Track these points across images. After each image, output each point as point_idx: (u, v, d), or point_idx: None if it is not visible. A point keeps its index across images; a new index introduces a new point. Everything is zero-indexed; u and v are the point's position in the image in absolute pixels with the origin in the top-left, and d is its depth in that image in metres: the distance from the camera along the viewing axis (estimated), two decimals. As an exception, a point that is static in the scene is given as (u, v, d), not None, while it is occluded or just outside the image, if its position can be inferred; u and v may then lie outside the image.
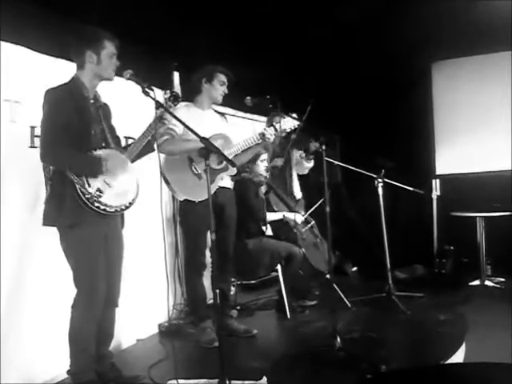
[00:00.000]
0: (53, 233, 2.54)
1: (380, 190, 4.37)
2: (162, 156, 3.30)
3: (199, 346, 3.42)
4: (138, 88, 2.62)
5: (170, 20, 3.78)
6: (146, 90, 2.61)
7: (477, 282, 5.07)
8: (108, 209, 2.52)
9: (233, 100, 3.79)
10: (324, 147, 3.36)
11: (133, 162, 2.69)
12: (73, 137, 2.48)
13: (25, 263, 2.84)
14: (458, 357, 3.05)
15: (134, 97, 2.96)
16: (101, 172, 2.49)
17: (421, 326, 3.70)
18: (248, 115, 5.33)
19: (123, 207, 2.61)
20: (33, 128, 2.90)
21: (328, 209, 3.32)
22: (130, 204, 2.64)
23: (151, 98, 2.61)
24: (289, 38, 4.61)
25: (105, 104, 2.77)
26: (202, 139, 2.52)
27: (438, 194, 5.89)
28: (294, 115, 3.53)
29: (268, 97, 3.42)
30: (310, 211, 4.63)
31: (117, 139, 2.80)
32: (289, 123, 3.52)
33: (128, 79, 2.65)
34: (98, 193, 2.49)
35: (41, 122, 2.50)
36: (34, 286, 2.86)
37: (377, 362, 2.82)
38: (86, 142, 2.54)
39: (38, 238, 2.85)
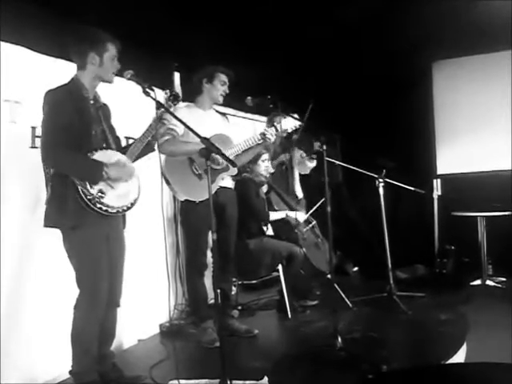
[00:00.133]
0: (53, 233, 2.53)
1: (381, 190, 4.37)
2: (163, 156, 3.30)
3: (200, 346, 3.42)
4: (139, 88, 2.62)
5: (171, 20, 3.78)
6: (147, 90, 2.61)
7: (478, 282, 5.06)
8: (110, 210, 2.52)
9: (233, 100, 3.79)
10: (325, 147, 3.36)
11: (133, 162, 2.69)
12: (73, 137, 2.48)
13: (25, 263, 2.85)
14: (459, 357, 3.04)
15: (134, 97, 2.96)
16: (102, 179, 2.49)
17: (422, 326, 3.69)
18: (249, 115, 5.33)
19: (125, 208, 2.61)
20: (34, 128, 2.90)
21: (329, 209, 3.32)
22: (132, 205, 2.64)
23: (152, 98, 2.61)
24: (289, 38, 4.61)
25: (104, 104, 2.77)
26: (203, 139, 2.52)
27: (439, 193, 5.88)
28: (295, 115, 3.53)
29: (269, 97, 3.42)
30: (311, 211, 4.63)
31: (117, 139, 2.80)
32: (290, 123, 3.52)
33: (129, 79, 2.65)
34: (100, 194, 2.48)
35: (41, 124, 2.50)
36: (34, 286, 2.86)
37: (378, 362, 2.81)
38: (87, 143, 2.54)
39: (38, 238, 2.86)
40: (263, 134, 3.46)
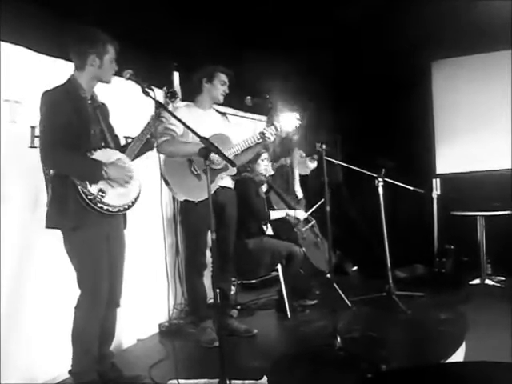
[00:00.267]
0: (53, 233, 2.54)
1: (380, 190, 4.37)
2: (162, 156, 3.30)
3: (199, 345, 3.43)
4: (138, 88, 2.62)
5: (170, 20, 3.79)
6: (146, 89, 2.61)
7: (477, 281, 5.07)
8: (111, 209, 2.52)
9: (233, 100, 3.79)
10: (324, 146, 3.36)
11: (133, 160, 2.68)
12: (72, 137, 2.48)
13: (25, 263, 2.85)
14: (459, 356, 3.05)
15: (133, 97, 2.96)
16: (102, 178, 2.49)
17: (421, 326, 3.70)
18: (248, 115, 5.33)
19: (126, 206, 2.61)
20: (33, 128, 2.90)
21: (328, 208, 3.33)
22: (133, 203, 2.64)
23: (151, 97, 2.61)
24: (289, 38, 4.61)
25: (102, 104, 2.77)
26: (202, 139, 2.52)
27: (439, 193, 5.88)
28: (295, 115, 3.53)
29: (268, 96, 3.42)
30: (310, 211, 4.63)
31: (116, 138, 2.80)
32: (289, 123, 3.52)
33: (128, 79, 2.65)
34: (100, 193, 2.48)
35: (39, 124, 2.49)
36: (34, 286, 2.86)
37: (377, 362, 2.82)
38: (86, 143, 2.54)
39: (38, 238, 2.86)
40: (262, 134, 3.45)
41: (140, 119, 2.81)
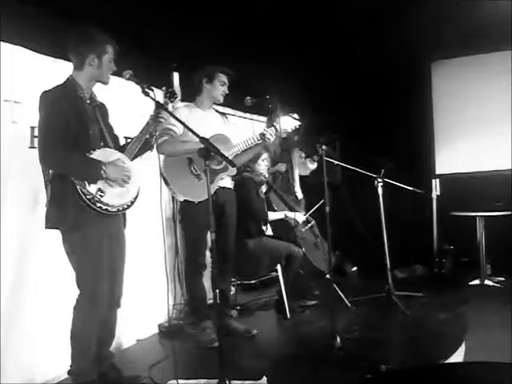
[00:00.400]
0: (53, 233, 2.54)
1: (380, 190, 4.37)
2: (162, 156, 3.30)
3: (199, 346, 3.43)
4: (138, 88, 2.63)
5: (170, 20, 3.78)
6: (146, 90, 2.62)
7: (477, 282, 5.06)
8: (110, 208, 2.52)
9: (233, 100, 3.79)
10: (324, 147, 3.37)
11: (132, 160, 2.69)
12: (70, 137, 2.48)
13: (25, 263, 2.85)
14: (458, 356, 3.04)
15: (133, 97, 2.96)
16: (100, 178, 2.49)
17: (420, 326, 3.70)
18: (248, 115, 5.33)
19: (125, 206, 2.61)
20: (33, 128, 2.90)
21: (328, 209, 3.33)
22: (132, 203, 2.64)
23: (151, 98, 2.61)
24: (289, 39, 4.62)
25: (102, 104, 2.77)
26: (202, 139, 2.52)
27: (438, 193, 5.89)
28: (295, 115, 3.53)
29: (268, 97, 3.42)
30: (311, 211, 4.63)
31: (115, 138, 2.80)
32: (289, 123, 3.52)
33: (128, 79, 2.65)
34: (99, 193, 2.48)
35: (38, 124, 2.49)
36: (34, 286, 2.86)
37: (377, 362, 2.82)
38: (84, 142, 2.54)
39: (38, 238, 2.86)
40: (263, 135, 3.46)
41: (140, 119, 2.82)
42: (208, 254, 3.55)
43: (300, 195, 4.80)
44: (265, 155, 4.26)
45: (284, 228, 4.45)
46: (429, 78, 5.98)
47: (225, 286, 3.66)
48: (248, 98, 3.52)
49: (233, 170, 3.51)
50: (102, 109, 2.76)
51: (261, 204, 4.31)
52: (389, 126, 5.70)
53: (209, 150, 2.50)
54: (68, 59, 2.69)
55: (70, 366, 2.61)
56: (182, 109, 3.54)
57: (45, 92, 2.49)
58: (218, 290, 2.55)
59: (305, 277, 4.38)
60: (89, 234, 2.52)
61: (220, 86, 3.55)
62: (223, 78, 3.54)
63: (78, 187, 2.43)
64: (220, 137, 3.44)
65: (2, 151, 2.71)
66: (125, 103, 3.42)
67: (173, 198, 4.02)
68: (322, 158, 3.43)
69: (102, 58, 2.60)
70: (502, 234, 5.09)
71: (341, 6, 4.19)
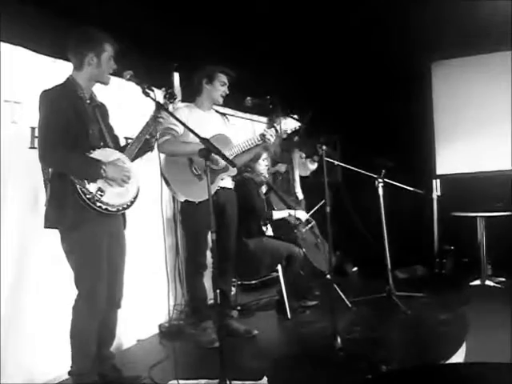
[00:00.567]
0: (53, 233, 2.54)
1: (380, 190, 4.37)
2: (162, 156, 3.30)
3: (200, 346, 3.42)
4: (138, 88, 2.62)
5: (170, 20, 3.78)
6: (147, 90, 2.62)
7: (477, 282, 5.06)
8: (110, 208, 2.52)
9: (233, 100, 3.79)
10: (324, 147, 3.36)
11: (132, 161, 2.68)
12: (70, 137, 2.48)
13: (25, 263, 2.85)
14: (459, 357, 3.04)
15: (133, 97, 2.96)
16: (100, 177, 2.48)
17: (421, 326, 3.70)
18: (248, 115, 5.33)
19: (125, 206, 2.60)
20: (33, 129, 2.89)
21: (329, 209, 3.33)
22: (132, 203, 2.64)
23: (151, 98, 2.61)
24: (289, 39, 4.62)
25: (101, 104, 2.77)
26: (202, 140, 2.52)
27: (439, 194, 5.89)
28: (295, 116, 3.53)
29: (268, 97, 3.42)
30: (311, 212, 4.63)
31: (115, 138, 2.80)
32: (289, 124, 3.51)
33: (128, 80, 2.65)
34: (99, 192, 2.48)
35: (38, 124, 2.49)
36: (34, 286, 2.86)
37: (377, 362, 2.82)
38: (84, 142, 2.54)
39: (38, 238, 2.85)
40: (263, 135, 3.46)
41: (140, 120, 2.82)
42: (209, 254, 3.56)
43: (300, 195, 4.80)
44: (265, 155, 4.26)
45: (284, 228, 4.44)
46: (429, 78, 5.98)
47: (225, 287, 3.65)
48: (248, 98, 3.52)
49: (233, 171, 3.51)
50: (101, 109, 2.76)
51: (261, 204, 4.31)
52: (389, 126, 5.70)
53: (209, 150, 2.50)
54: (68, 59, 2.69)
55: (71, 366, 2.61)
56: (182, 109, 3.54)
57: (45, 91, 2.49)
58: (218, 291, 2.55)
59: (305, 277, 4.37)
60: (88, 234, 2.51)
61: (220, 87, 3.54)
62: (223, 78, 3.54)
63: (78, 186, 2.43)
64: (220, 137, 3.44)
65: (2, 151, 2.71)
66: (125, 104, 3.43)
67: (173, 198, 4.02)
68: (323, 159, 3.43)
69: (101, 56, 2.60)
70: (502, 235, 5.09)
71: (341, 6, 4.19)
